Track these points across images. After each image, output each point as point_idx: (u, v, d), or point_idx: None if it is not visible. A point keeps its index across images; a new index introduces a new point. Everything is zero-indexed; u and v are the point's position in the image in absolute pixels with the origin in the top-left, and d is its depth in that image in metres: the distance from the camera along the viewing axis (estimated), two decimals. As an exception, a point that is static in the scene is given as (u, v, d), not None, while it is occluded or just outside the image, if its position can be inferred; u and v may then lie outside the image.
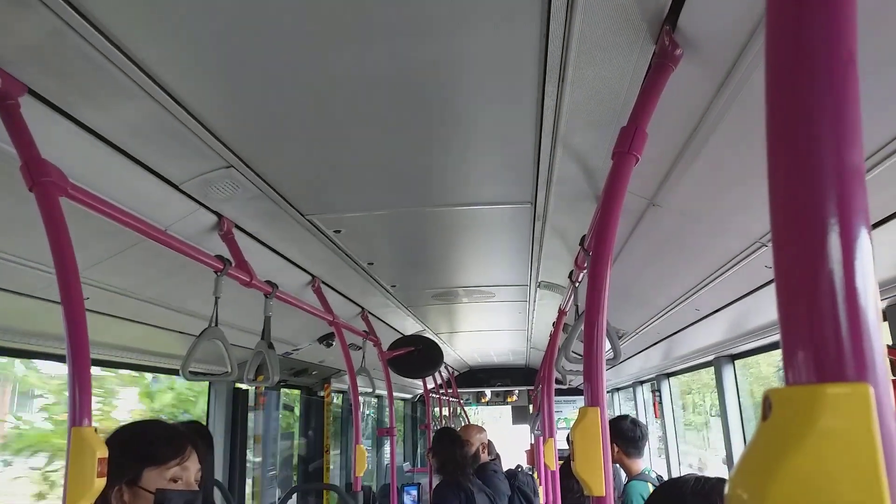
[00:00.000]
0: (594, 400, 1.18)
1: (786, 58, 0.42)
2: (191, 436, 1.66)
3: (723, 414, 4.18)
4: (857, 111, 0.40)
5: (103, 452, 1.18)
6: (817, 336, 0.37)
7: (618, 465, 3.93)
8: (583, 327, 1.30)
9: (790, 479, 0.36)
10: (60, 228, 1.29)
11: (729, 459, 4.07)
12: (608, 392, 8.51)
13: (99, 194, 1.54)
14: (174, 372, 3.40)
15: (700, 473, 1.93)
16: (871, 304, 0.37)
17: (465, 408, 10.09)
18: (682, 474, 2.18)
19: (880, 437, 0.36)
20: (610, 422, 3.85)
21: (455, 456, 4.18)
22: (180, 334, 2.99)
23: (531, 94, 1.52)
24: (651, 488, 3.59)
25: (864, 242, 0.38)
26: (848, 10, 0.41)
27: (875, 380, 0.37)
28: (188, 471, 1.60)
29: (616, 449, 3.73)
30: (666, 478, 5.04)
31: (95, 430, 1.20)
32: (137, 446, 1.57)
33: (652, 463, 5.88)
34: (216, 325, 2.08)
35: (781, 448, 0.37)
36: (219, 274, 2.06)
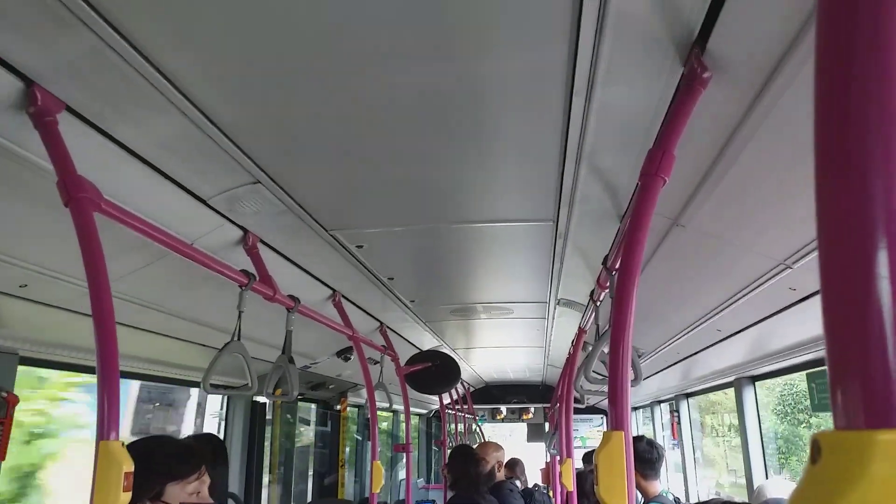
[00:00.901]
0: (618, 423, 1.18)
1: (835, 73, 0.42)
2: (205, 453, 1.73)
3: (743, 436, 4.12)
4: None
5: (130, 467, 1.19)
6: (867, 381, 0.37)
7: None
8: (605, 348, 1.30)
9: None
10: (94, 243, 1.31)
11: (749, 482, 4.01)
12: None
13: (129, 209, 1.57)
14: (195, 384, 3.43)
15: (726, 498, 1.91)
16: None
17: (477, 424, 10.02)
18: (708, 498, 2.16)
19: None
20: (627, 443, 3.82)
21: (469, 473, 4.15)
22: (201, 346, 3.01)
23: (557, 114, 1.52)
24: (669, 511, 3.55)
25: None
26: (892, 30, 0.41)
27: None
28: (204, 484, 1.69)
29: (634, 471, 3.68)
30: (683, 501, 4.98)
31: (123, 444, 1.22)
32: (159, 463, 1.64)
33: (669, 485, 5.81)
34: (239, 338, 2.09)
35: (832, 494, 0.36)
36: (243, 288, 2.08)
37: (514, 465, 6.51)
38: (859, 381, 0.38)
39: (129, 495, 1.19)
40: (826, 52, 0.42)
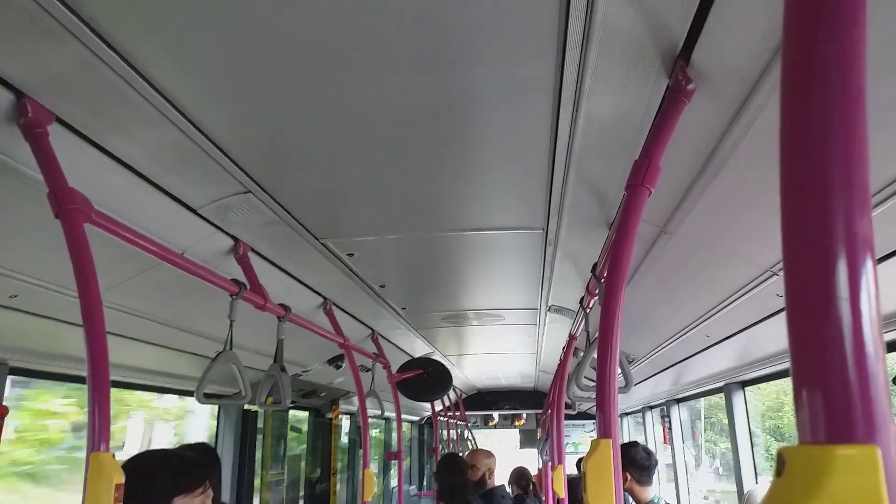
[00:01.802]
0: (606, 431, 1.19)
1: (799, 92, 0.43)
2: (207, 464, 1.75)
3: (732, 441, 4.15)
4: (865, 144, 0.41)
5: (120, 478, 1.19)
6: (829, 398, 0.39)
7: (626, 493, 3.90)
8: (595, 355, 1.31)
9: None
10: (84, 254, 1.32)
11: (738, 485, 4.03)
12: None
13: (120, 219, 1.57)
14: (188, 393, 3.42)
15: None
16: (881, 369, 0.39)
17: (470, 431, 10.02)
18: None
19: (888, 498, 0.37)
20: (622, 449, 3.84)
21: (455, 481, 4.17)
22: (193, 355, 3.01)
23: (545, 124, 1.54)
24: (661, 516, 3.56)
25: (874, 306, 0.39)
26: (858, 47, 0.43)
27: (883, 441, 0.38)
28: (209, 498, 1.72)
29: (629, 477, 3.70)
30: (675, 506, 4.99)
31: (113, 455, 1.22)
32: (166, 478, 1.67)
33: (661, 489, 5.82)
34: (230, 348, 2.10)
35: None
36: (234, 297, 2.08)
37: (522, 479, 6.43)
38: (821, 398, 0.39)
39: (119, 506, 1.19)
40: (790, 76, 0.44)
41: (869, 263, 0.39)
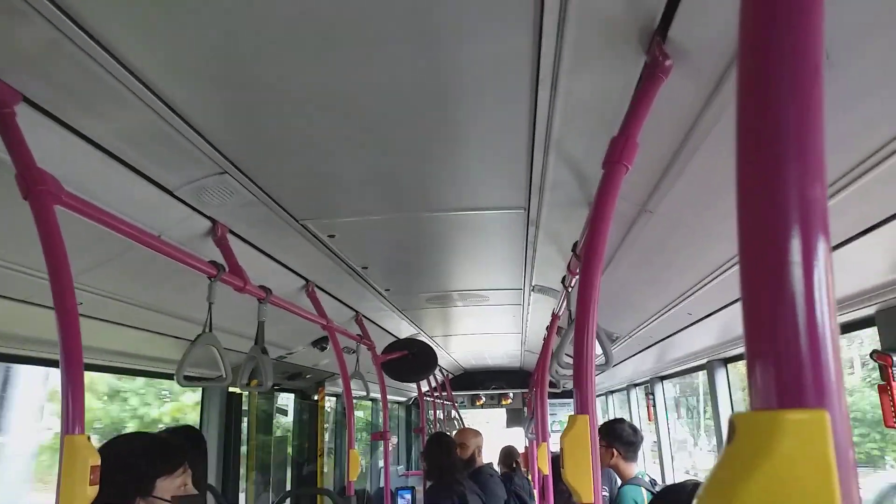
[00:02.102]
0: (583, 407, 1.19)
1: (755, 68, 0.43)
2: (184, 445, 1.77)
3: (715, 417, 4.20)
4: (821, 122, 0.41)
5: (95, 460, 1.19)
6: (779, 362, 0.39)
7: (611, 469, 3.95)
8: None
9: (749, 501, 0.37)
10: (54, 236, 1.29)
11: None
12: (602, 395, 8.52)
13: (93, 201, 1.55)
14: (169, 376, 3.40)
15: (699, 479, 1.96)
16: (831, 333, 0.39)
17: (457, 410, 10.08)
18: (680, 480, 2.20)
19: (836, 462, 0.37)
20: (608, 425, 3.88)
21: (444, 460, 4.20)
22: (175, 339, 2.99)
23: (524, 102, 1.53)
24: (644, 492, 3.61)
25: (825, 274, 0.39)
26: (815, 24, 0.43)
27: (833, 406, 0.38)
28: (189, 476, 1.74)
29: (614, 453, 3.75)
30: (659, 482, 5.07)
31: (88, 438, 1.21)
32: (147, 460, 1.68)
33: (646, 467, 5.90)
34: (210, 330, 2.08)
35: (742, 471, 0.38)
36: (212, 280, 2.06)
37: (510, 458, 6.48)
38: (772, 364, 0.39)
39: (95, 489, 1.19)
40: (746, 46, 0.43)
41: (822, 229, 0.39)
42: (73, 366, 1.25)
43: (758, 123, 0.42)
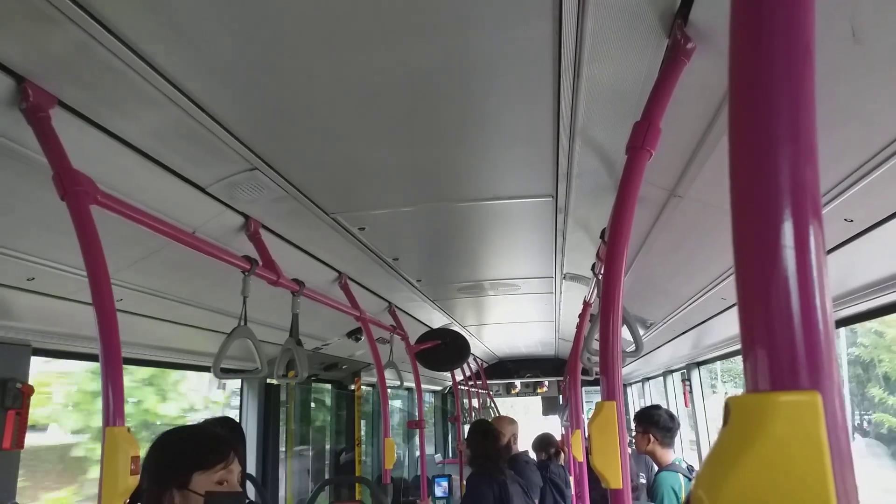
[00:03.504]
0: (610, 394, 1.20)
1: (746, 51, 0.43)
2: (233, 441, 1.75)
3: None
4: (813, 104, 0.41)
5: (136, 451, 1.23)
6: (772, 345, 0.39)
7: (648, 455, 3.94)
8: (601, 321, 1.31)
9: (742, 482, 0.37)
10: (91, 235, 1.34)
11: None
12: (638, 382, 8.46)
13: (128, 200, 1.59)
14: (206, 369, 3.48)
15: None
16: (824, 315, 0.39)
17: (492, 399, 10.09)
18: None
19: (828, 443, 0.37)
20: (645, 411, 3.86)
21: (488, 448, 4.20)
22: (212, 332, 3.06)
23: (547, 91, 1.53)
24: (682, 479, 3.59)
25: (818, 258, 0.39)
26: (807, 7, 0.42)
27: (825, 388, 0.38)
28: (232, 473, 1.70)
29: (651, 439, 3.73)
30: (696, 468, 5.02)
31: (129, 429, 1.25)
32: (186, 453, 1.68)
33: (683, 454, 5.85)
34: (245, 323, 2.13)
35: (736, 453, 0.38)
36: (246, 274, 2.11)
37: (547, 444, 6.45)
38: (765, 347, 0.39)
39: (136, 479, 1.23)
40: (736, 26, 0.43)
41: (813, 212, 0.39)
42: (112, 361, 1.29)
43: (750, 105, 0.42)
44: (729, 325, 3.75)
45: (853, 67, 1.15)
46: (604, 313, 1.27)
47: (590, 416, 1.23)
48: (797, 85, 0.40)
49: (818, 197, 0.39)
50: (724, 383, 6.77)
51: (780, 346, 0.39)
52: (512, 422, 5.23)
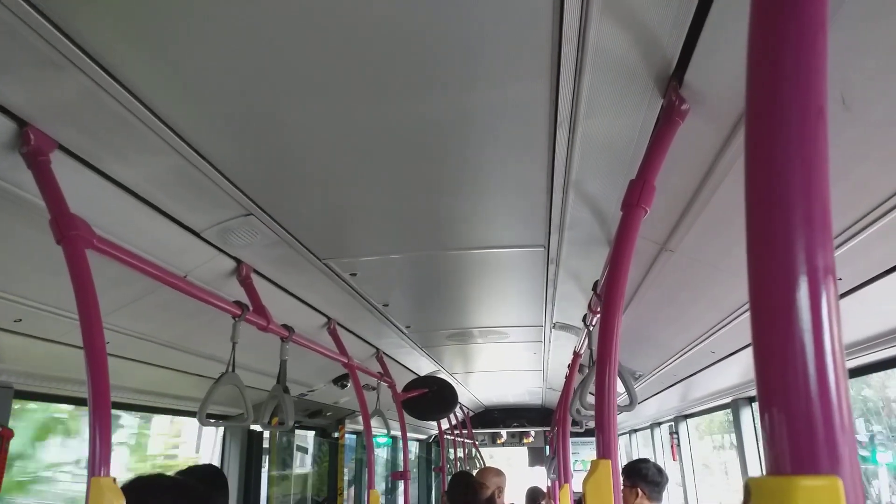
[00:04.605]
0: (606, 452, 1.19)
1: (762, 114, 0.44)
2: (205, 490, 1.70)
3: (741, 456, 4.11)
4: (826, 162, 0.42)
5: (121, 502, 1.19)
6: (793, 429, 0.39)
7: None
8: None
9: None
10: (86, 278, 1.33)
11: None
12: (625, 434, 8.38)
13: (122, 243, 1.59)
14: (191, 414, 3.42)
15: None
16: (844, 402, 0.39)
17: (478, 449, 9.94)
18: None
19: None
20: (633, 465, 3.82)
21: (469, 501, 4.11)
22: (197, 376, 3.01)
23: (542, 144, 1.55)
24: (670, 534, 3.53)
25: (836, 345, 0.40)
26: (819, 68, 0.44)
27: (846, 473, 0.38)
28: None
29: (639, 493, 3.68)
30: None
31: (114, 480, 1.22)
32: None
33: (671, 507, 5.76)
34: (233, 370, 2.10)
35: None
36: (237, 319, 2.09)
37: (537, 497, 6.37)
38: (785, 429, 0.39)
39: (120, 530, 1.19)
40: (752, 92, 0.44)
41: (831, 294, 0.39)
42: (101, 407, 1.26)
43: (763, 170, 0.43)
44: (717, 378, 3.75)
45: (843, 131, 1.18)
46: (599, 370, 1.27)
47: (585, 472, 1.22)
48: (810, 151, 0.41)
49: (834, 275, 0.40)
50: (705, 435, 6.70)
51: (799, 428, 0.39)
52: (499, 473, 5.12)
